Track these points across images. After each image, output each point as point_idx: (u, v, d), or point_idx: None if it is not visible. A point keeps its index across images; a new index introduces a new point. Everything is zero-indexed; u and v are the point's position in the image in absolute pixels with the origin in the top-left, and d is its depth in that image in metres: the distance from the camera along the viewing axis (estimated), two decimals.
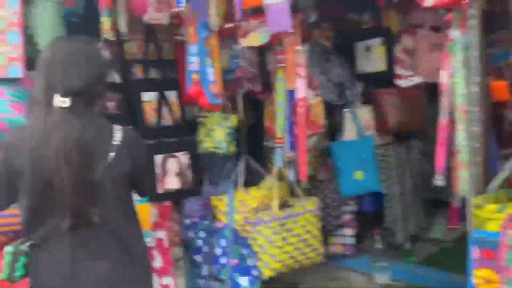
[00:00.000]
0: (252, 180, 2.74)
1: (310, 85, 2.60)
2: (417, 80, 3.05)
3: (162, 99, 2.59)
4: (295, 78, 2.20)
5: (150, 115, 2.54)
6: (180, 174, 2.59)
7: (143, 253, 1.49)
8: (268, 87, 2.62)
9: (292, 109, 2.23)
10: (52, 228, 1.32)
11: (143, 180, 1.56)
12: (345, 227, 3.13)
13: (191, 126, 2.71)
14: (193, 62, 2.06)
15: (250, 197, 2.43)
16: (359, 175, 3.02)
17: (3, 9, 1.96)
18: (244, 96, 3.09)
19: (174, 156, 2.59)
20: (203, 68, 2.06)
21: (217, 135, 2.59)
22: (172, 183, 2.57)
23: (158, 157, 2.53)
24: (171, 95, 2.63)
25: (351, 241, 3.17)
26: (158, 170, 2.53)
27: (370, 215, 3.37)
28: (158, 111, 2.57)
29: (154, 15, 1.89)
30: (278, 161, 2.28)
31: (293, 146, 2.25)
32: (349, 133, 3.09)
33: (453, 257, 2.84)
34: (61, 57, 1.35)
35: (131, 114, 2.49)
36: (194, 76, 2.06)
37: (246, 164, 2.62)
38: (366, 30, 3.06)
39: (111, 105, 2.33)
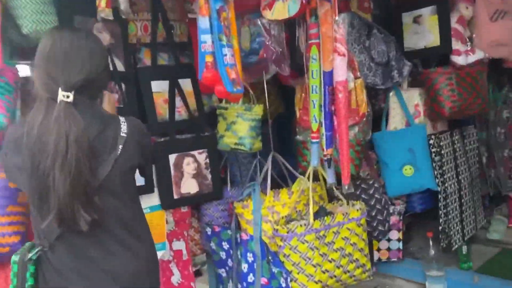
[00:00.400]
0: (282, 181, 2.34)
1: (349, 65, 2.16)
2: (477, 55, 2.55)
3: (175, 89, 2.21)
4: (332, 57, 1.76)
5: (161, 108, 2.18)
6: (198, 175, 2.22)
7: (152, 253, 1.47)
8: (299, 69, 2.18)
9: (329, 96, 1.80)
10: (56, 232, 1.28)
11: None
12: (392, 229, 2.70)
13: (210, 119, 2.32)
14: (205, 41, 1.65)
15: (280, 203, 2.03)
16: (408, 170, 2.58)
17: None
18: (270, 82, 2.71)
19: (190, 155, 2.22)
20: (218, 49, 1.65)
21: (239, 129, 2.19)
22: (189, 186, 2.20)
23: (172, 157, 2.17)
24: (186, 84, 2.25)
25: (398, 245, 2.76)
26: (172, 171, 2.17)
27: (421, 215, 2.95)
28: (171, 103, 2.19)
29: None
30: (313, 159, 1.85)
31: (331, 141, 1.82)
32: (396, 121, 2.63)
33: None
34: (62, 50, 1.31)
35: (138, 107, 2.13)
36: (208, 59, 1.66)
37: (275, 163, 2.21)
38: None
39: (113, 97, 1.96)
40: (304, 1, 1.75)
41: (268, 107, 2.33)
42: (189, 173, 2.20)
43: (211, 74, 1.67)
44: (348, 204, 1.89)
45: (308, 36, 1.79)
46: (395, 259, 2.78)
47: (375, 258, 2.74)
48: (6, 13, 1.71)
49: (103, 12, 1.81)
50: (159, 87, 2.17)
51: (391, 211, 2.64)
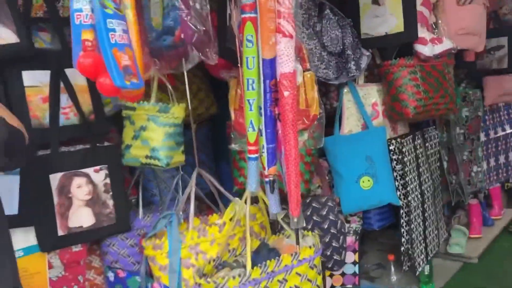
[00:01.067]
0: (213, 203, 1.79)
1: (297, 54, 1.66)
2: (445, 45, 2.15)
3: (60, 82, 1.59)
4: (274, 39, 1.24)
5: (37, 109, 1.55)
6: (93, 202, 1.61)
7: None
8: (230, 57, 1.64)
9: (271, 94, 1.27)
10: None
11: None
12: (346, 251, 2.25)
13: (110, 124, 1.72)
14: (80, 9, 1.06)
15: (208, 240, 1.49)
16: (366, 182, 2.15)
17: None
18: (199, 74, 2.15)
19: (82, 175, 1.61)
20: (101, 21, 1.06)
21: (151, 137, 1.61)
22: (81, 217, 1.59)
23: (54, 177, 1.55)
24: (76, 76, 1.62)
25: (353, 269, 2.34)
26: (55, 198, 1.55)
27: (378, 233, 2.56)
28: (53, 101, 1.57)
29: None
30: (251, 181, 1.32)
31: (274, 157, 1.30)
32: (351, 123, 2.18)
33: (481, 278, 2.43)
34: None
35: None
36: (85, 36, 1.07)
37: (199, 181, 1.66)
38: None
39: None
40: None
41: (195, 107, 1.77)
42: (81, 199, 1.59)
43: (91, 59, 1.08)
44: (296, 242, 1.37)
45: (241, 8, 1.24)
46: (350, 286, 2.35)
47: (327, 285, 2.29)
48: None
49: None
50: (35, 80, 1.54)
51: (346, 230, 2.19)
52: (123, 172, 1.77)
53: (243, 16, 1.25)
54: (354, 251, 2.34)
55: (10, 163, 1.07)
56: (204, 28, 1.41)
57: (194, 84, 2.13)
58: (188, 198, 1.60)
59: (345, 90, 2.17)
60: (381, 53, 2.28)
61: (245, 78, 1.28)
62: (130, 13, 1.14)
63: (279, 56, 1.25)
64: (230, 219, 1.55)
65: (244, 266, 1.32)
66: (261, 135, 1.30)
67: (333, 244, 1.94)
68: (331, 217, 1.92)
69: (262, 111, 1.28)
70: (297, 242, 1.34)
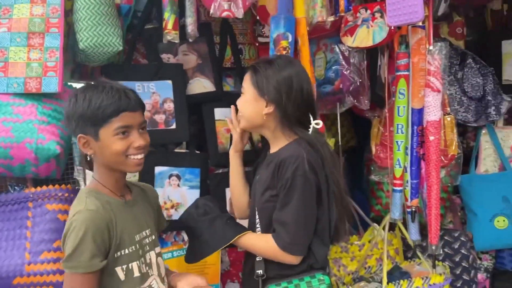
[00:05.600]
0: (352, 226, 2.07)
1: None
2: None
3: None
4: (423, 92, 1.50)
5: (223, 138, 2.01)
6: None
7: None
8: (378, 101, 1.93)
9: (418, 137, 1.53)
10: None
11: None
12: (477, 286, 2.31)
13: None
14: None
15: (349, 256, 1.76)
16: (501, 222, 2.20)
17: (42, 6, 1.55)
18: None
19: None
20: None
21: None
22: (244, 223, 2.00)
23: (228, 191, 1.98)
24: None
25: None
26: (228, 207, 1.97)
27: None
28: None
29: (224, 6, 1.33)
30: (394, 210, 1.58)
31: (417, 191, 1.54)
32: (487, 163, 2.27)
33: None
34: None
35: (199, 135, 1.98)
36: None
37: None
38: None
39: (159, 118, 1.83)
40: (392, 28, 1.51)
41: (339, 141, 2.08)
42: None
43: None
44: (431, 266, 1.58)
45: (396, 67, 1.53)
46: None
47: None
48: (70, 31, 1.63)
49: (169, 35, 1.68)
50: (222, 115, 2.01)
51: (477, 267, 2.26)
52: None
53: (397, 73, 1.53)
54: None
55: None
56: (360, 80, 1.72)
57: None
58: None
59: (483, 131, 2.27)
60: None
61: (395, 123, 1.55)
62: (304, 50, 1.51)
63: (427, 107, 1.50)
64: (369, 241, 1.82)
65: (380, 282, 1.57)
66: (406, 172, 1.55)
67: (464, 277, 2.05)
68: (463, 251, 2.05)
69: (409, 151, 1.54)
70: (434, 266, 1.54)
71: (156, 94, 1.81)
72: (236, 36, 2.06)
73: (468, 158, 2.30)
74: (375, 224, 1.85)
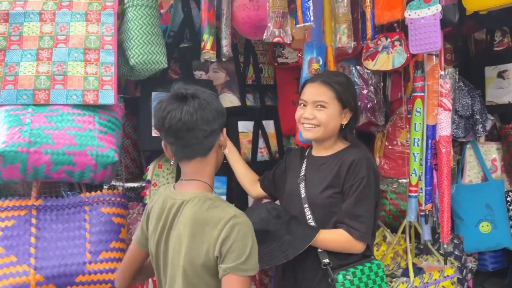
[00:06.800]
0: None
1: None
2: None
3: (259, 130, 2.22)
4: (436, 111, 1.74)
5: (245, 148, 2.18)
6: None
7: None
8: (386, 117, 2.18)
9: (432, 150, 1.77)
10: None
11: None
12: (468, 284, 2.57)
13: None
14: None
15: None
16: (485, 227, 2.48)
17: (97, 24, 1.68)
18: None
19: (268, 198, 2.19)
20: None
21: None
22: None
23: (251, 199, 2.15)
24: (269, 126, 2.25)
25: None
26: None
27: (492, 275, 2.82)
28: (254, 143, 2.19)
29: (276, 32, 1.51)
30: (410, 214, 1.80)
31: (431, 197, 1.78)
32: (472, 174, 2.57)
33: None
34: None
35: None
36: None
37: None
38: (499, 52, 2.55)
39: None
40: (409, 55, 1.75)
41: None
42: None
43: None
44: (444, 261, 1.81)
45: (413, 89, 1.78)
46: None
47: None
48: (119, 48, 1.76)
49: (207, 55, 1.85)
50: (245, 128, 2.18)
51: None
52: None
53: (414, 94, 1.78)
54: None
55: None
56: (377, 99, 1.95)
57: None
58: None
59: (468, 146, 2.57)
60: (500, 118, 2.66)
61: (412, 137, 1.79)
62: None
63: (439, 123, 1.74)
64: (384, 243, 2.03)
65: (403, 277, 1.78)
66: (420, 180, 1.78)
67: (458, 276, 2.30)
68: (456, 252, 2.30)
69: (423, 162, 1.77)
70: (445, 262, 1.78)
71: None
72: (258, 56, 2.26)
73: (456, 171, 2.58)
74: (385, 227, 2.07)
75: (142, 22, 1.72)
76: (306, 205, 1.55)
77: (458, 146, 2.69)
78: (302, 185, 1.58)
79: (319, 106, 1.55)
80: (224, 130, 1.33)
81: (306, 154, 1.68)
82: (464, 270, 2.33)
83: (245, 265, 1.13)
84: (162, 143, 1.29)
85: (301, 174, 1.62)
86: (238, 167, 1.89)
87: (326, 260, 1.49)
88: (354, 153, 1.53)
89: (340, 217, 1.50)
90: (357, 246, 1.49)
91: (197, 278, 1.18)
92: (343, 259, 1.51)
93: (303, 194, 1.57)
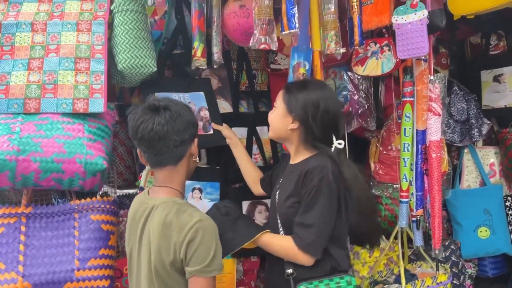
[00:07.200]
0: None
1: None
2: None
3: (253, 136, 2.22)
4: (426, 116, 1.73)
5: None
6: (268, 224, 2.18)
7: None
8: (378, 123, 2.17)
9: (422, 155, 1.76)
10: None
11: None
12: None
13: None
14: None
15: (360, 262, 1.96)
16: (484, 232, 2.46)
17: (88, 34, 1.70)
18: None
19: (262, 203, 2.19)
20: None
21: None
22: None
23: (245, 204, 2.15)
24: (263, 132, 2.25)
25: None
26: None
27: (493, 281, 2.78)
28: (248, 149, 2.19)
29: (262, 39, 1.53)
30: (402, 219, 1.79)
31: (422, 202, 1.76)
32: (470, 179, 2.54)
33: None
34: None
35: (215, 151, 2.15)
36: None
37: None
38: (495, 56, 2.53)
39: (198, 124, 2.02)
40: (398, 61, 1.75)
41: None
42: (261, 222, 2.17)
43: None
44: (435, 267, 1.80)
45: (403, 94, 1.77)
46: None
47: None
48: (111, 56, 1.78)
49: (198, 62, 1.86)
50: (238, 134, 2.18)
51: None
52: None
53: (403, 99, 1.77)
54: None
55: None
56: (368, 104, 1.95)
57: None
58: None
59: (466, 150, 2.54)
60: (498, 122, 2.64)
61: (402, 142, 1.78)
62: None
63: (429, 128, 1.74)
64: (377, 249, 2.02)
65: (393, 283, 1.77)
66: (411, 185, 1.77)
67: (454, 282, 2.27)
68: (453, 258, 2.28)
69: (413, 167, 1.76)
70: (437, 268, 1.76)
71: (192, 103, 1.95)
72: (251, 62, 2.27)
73: (453, 175, 2.56)
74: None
75: (128, 27, 1.73)
76: (278, 213, 1.55)
77: (456, 150, 2.67)
78: (277, 193, 1.59)
79: (274, 108, 1.60)
80: (196, 140, 1.39)
81: (288, 161, 1.68)
82: (462, 276, 2.31)
83: (210, 267, 1.24)
84: (138, 150, 1.37)
85: (279, 182, 1.63)
86: (242, 164, 1.93)
87: (290, 271, 1.47)
88: (314, 161, 1.50)
89: (293, 226, 1.49)
90: (300, 256, 1.45)
91: (168, 277, 1.27)
92: (309, 271, 1.48)
93: (277, 203, 1.57)
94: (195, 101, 1.98)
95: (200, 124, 1.96)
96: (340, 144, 1.51)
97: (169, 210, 1.28)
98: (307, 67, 1.77)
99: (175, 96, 1.92)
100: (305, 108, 1.50)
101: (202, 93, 2.01)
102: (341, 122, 1.56)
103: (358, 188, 1.48)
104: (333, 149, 1.51)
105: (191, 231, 1.23)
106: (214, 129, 1.97)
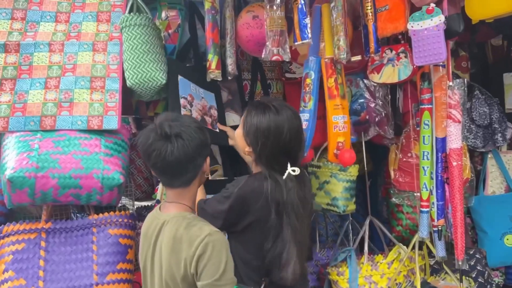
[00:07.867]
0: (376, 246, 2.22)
1: None
2: None
3: None
4: (446, 123, 1.69)
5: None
6: None
7: None
8: (397, 130, 2.13)
9: (442, 163, 1.71)
10: None
11: None
12: None
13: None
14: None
15: (379, 273, 1.91)
16: (510, 240, 2.37)
17: (103, 54, 1.73)
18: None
19: None
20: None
21: (333, 189, 2.13)
22: None
23: None
24: None
25: None
26: None
27: None
28: None
29: (274, 51, 1.52)
30: (423, 230, 1.74)
31: (443, 212, 1.71)
32: (494, 185, 2.46)
33: None
34: None
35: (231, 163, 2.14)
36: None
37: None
38: None
39: (208, 119, 2.02)
40: (416, 67, 1.71)
41: (365, 167, 2.26)
42: None
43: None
44: (454, 280, 1.74)
45: (421, 101, 1.73)
46: None
47: None
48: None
49: (213, 74, 1.87)
50: None
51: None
52: None
53: (421, 106, 1.73)
54: None
55: None
56: (385, 112, 1.91)
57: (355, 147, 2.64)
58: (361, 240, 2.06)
59: (489, 156, 2.46)
60: None
61: (421, 151, 1.74)
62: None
63: (449, 136, 1.69)
64: (397, 260, 1.97)
65: None
66: (432, 194, 1.73)
67: None
68: (479, 268, 2.21)
69: (434, 175, 1.71)
70: (460, 280, 1.70)
71: (204, 99, 1.97)
72: (265, 72, 2.26)
73: (476, 181, 2.49)
74: (401, 244, 2.01)
75: (134, 42, 1.75)
76: None
77: (479, 156, 2.59)
78: None
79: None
80: (208, 158, 1.40)
81: None
82: (488, 286, 2.23)
83: (220, 281, 1.23)
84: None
85: None
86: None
87: None
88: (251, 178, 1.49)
89: None
90: None
91: None
92: None
93: None
94: (207, 98, 2.00)
95: (209, 120, 1.97)
96: (294, 171, 1.46)
97: (179, 224, 1.30)
98: (313, 76, 1.76)
99: (192, 87, 1.91)
100: (256, 134, 1.47)
101: (213, 94, 2.04)
102: (296, 148, 1.50)
103: (293, 216, 1.43)
104: (285, 175, 1.45)
105: (201, 245, 1.24)
106: (220, 129, 2.00)
